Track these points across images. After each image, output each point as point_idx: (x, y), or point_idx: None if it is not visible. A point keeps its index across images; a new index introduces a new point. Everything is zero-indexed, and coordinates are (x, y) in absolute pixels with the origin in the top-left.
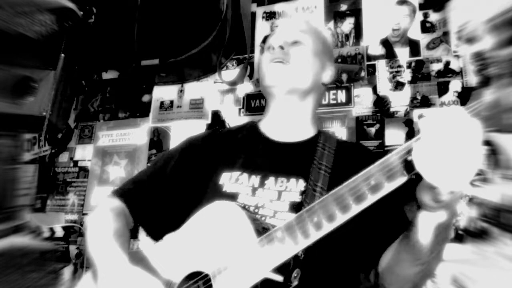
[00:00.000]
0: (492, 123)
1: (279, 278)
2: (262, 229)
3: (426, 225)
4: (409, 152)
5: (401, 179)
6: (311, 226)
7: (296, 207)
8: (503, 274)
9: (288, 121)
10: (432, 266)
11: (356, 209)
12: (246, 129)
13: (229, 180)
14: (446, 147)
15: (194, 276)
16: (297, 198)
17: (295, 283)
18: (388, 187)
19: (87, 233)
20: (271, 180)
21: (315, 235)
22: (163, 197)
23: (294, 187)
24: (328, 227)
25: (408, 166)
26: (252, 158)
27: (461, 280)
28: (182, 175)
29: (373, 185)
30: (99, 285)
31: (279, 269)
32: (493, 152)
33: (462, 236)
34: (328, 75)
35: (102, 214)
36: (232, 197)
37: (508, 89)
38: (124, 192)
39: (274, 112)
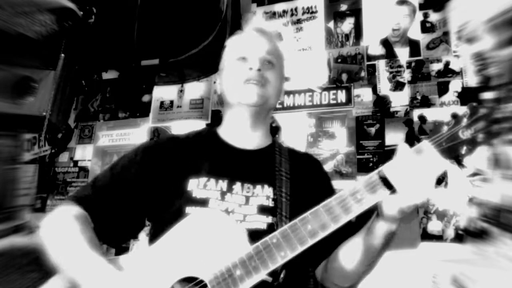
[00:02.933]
0: (450, 154)
1: (269, 279)
2: (252, 237)
3: (381, 232)
4: (382, 171)
5: (383, 193)
6: (306, 233)
7: (267, 210)
8: (503, 274)
9: (250, 131)
10: (374, 265)
11: (345, 219)
12: (206, 135)
13: (197, 186)
14: (415, 170)
15: (187, 282)
16: (265, 202)
17: (280, 281)
18: (373, 200)
19: (51, 240)
20: (238, 185)
21: (309, 242)
22: (124, 205)
23: (261, 192)
24: (321, 235)
25: (386, 181)
26: (217, 164)
27: (461, 280)
28: (144, 182)
29: (359, 199)
30: None
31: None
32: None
33: (462, 236)
34: (283, 92)
35: (69, 222)
36: (203, 202)
37: (461, 125)
38: (84, 199)
39: (237, 123)
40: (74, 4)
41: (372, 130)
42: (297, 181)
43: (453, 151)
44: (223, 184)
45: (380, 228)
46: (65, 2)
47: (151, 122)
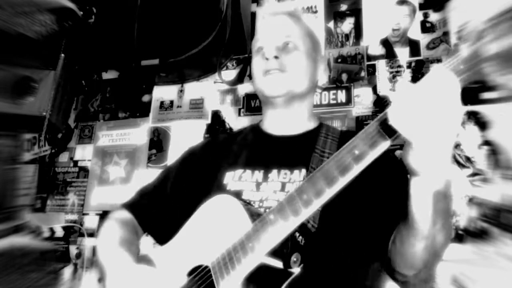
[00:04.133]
0: (472, 75)
1: (278, 263)
2: (256, 215)
3: (421, 193)
4: (386, 115)
5: (384, 144)
6: (300, 204)
7: None
8: (503, 274)
9: (288, 121)
10: (439, 240)
11: (342, 181)
12: (247, 130)
13: (232, 178)
14: (422, 102)
15: (196, 271)
16: None
17: (297, 269)
18: (372, 155)
19: (98, 245)
20: (274, 172)
21: (304, 213)
22: (168, 206)
23: (298, 178)
24: (316, 203)
25: (388, 128)
26: (254, 154)
27: (461, 280)
28: (183, 184)
29: (357, 154)
30: (107, 285)
31: (276, 254)
32: (493, 152)
33: (462, 236)
34: (321, 70)
35: (109, 225)
36: (237, 194)
37: (483, 40)
38: (131, 204)
39: (273, 115)
40: (74, 4)
41: None
42: None
43: (476, 71)
44: (259, 174)
45: (417, 188)
46: (65, 2)
47: (151, 122)
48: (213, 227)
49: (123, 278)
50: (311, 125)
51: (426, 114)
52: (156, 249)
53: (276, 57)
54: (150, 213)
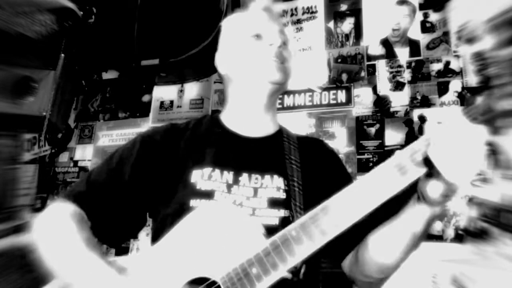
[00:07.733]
0: (487, 127)
1: (288, 276)
2: (265, 230)
3: (424, 218)
4: (420, 151)
5: (418, 173)
6: (328, 223)
7: (279, 203)
8: (503, 274)
9: (261, 114)
10: (416, 248)
11: (372, 205)
12: (207, 122)
13: (201, 177)
14: (459, 147)
15: (197, 283)
16: (275, 194)
17: (301, 278)
18: (406, 181)
19: (46, 242)
20: (244, 176)
21: (333, 232)
22: (121, 201)
23: (270, 183)
24: (345, 224)
25: (426, 162)
26: (221, 153)
27: (461, 280)
28: (143, 176)
29: (393, 179)
30: None
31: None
32: (493, 152)
33: (462, 236)
34: None
35: (64, 221)
36: (208, 195)
37: (497, 95)
38: (79, 196)
39: (247, 105)
40: (74, 4)
41: (372, 130)
42: (309, 170)
43: (491, 124)
44: (228, 175)
45: (423, 213)
46: (65, 2)
47: (151, 122)
48: (216, 237)
49: None
50: (274, 127)
51: (461, 159)
52: (130, 257)
53: (280, 47)
54: (101, 210)
